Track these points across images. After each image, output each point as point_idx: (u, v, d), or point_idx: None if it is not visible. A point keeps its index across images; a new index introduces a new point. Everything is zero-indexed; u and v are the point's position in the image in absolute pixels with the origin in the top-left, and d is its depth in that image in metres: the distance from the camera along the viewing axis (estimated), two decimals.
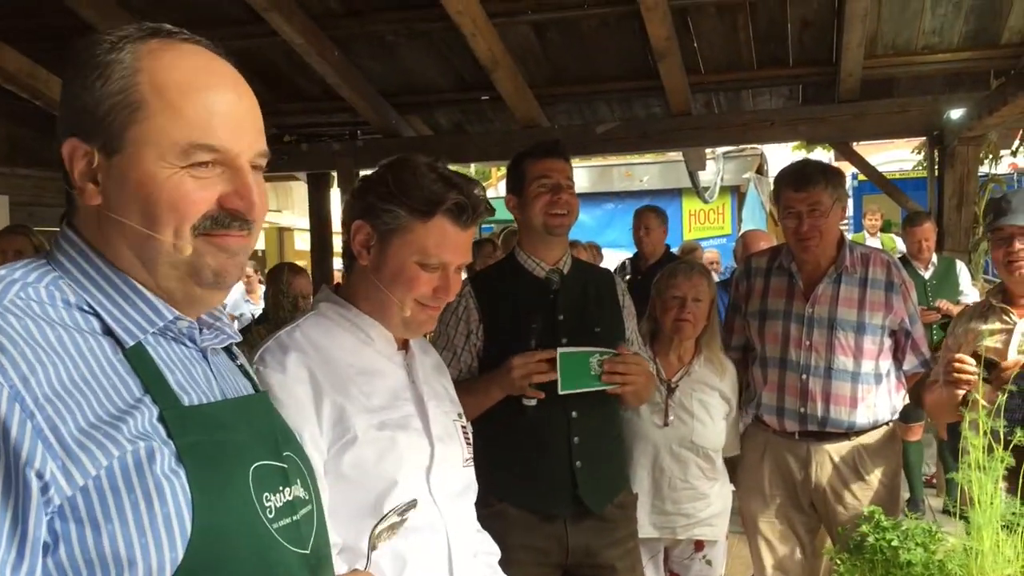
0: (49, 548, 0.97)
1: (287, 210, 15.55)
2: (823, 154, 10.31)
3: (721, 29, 5.68)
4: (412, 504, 1.32)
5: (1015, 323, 2.81)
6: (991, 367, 2.53)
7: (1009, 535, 1.88)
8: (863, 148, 8.01)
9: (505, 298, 2.70)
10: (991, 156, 7.00)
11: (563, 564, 2.67)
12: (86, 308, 1.09)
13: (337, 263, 7.91)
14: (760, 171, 14.20)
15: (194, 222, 1.10)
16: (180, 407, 1.09)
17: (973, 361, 2.55)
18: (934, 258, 5.96)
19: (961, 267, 5.96)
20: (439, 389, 1.97)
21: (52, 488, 0.96)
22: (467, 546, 1.87)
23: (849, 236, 5.53)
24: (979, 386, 2.30)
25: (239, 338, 1.31)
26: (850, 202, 11.94)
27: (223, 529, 1.06)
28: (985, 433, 1.96)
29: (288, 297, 4.30)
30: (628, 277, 6.30)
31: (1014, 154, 7.84)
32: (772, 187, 3.48)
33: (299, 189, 11.64)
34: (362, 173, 7.31)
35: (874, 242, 9.40)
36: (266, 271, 7.64)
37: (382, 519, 1.28)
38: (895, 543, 1.97)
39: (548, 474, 2.62)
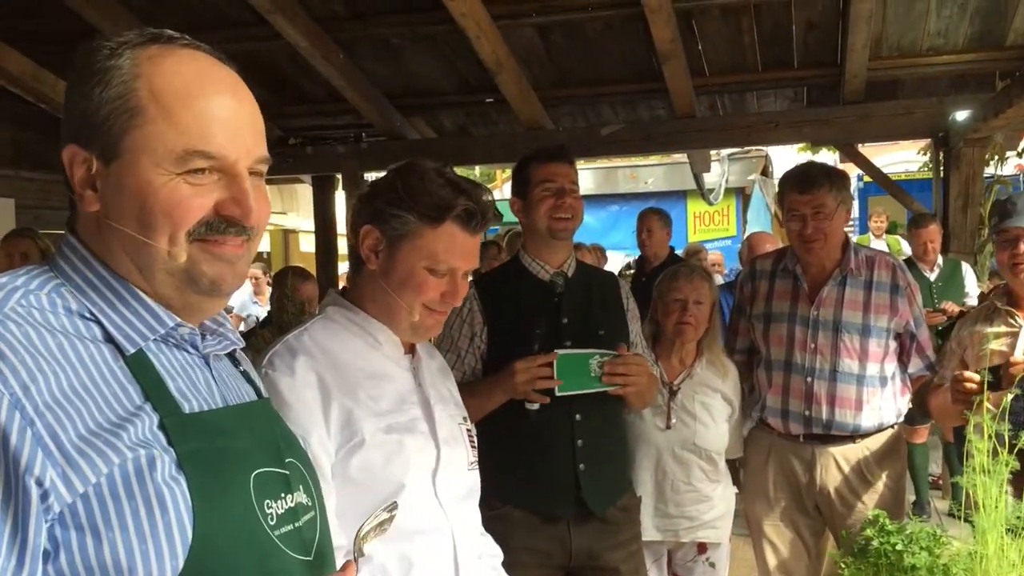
0: (49, 555, 0.97)
1: (292, 212, 15.56)
2: (828, 156, 10.30)
3: (725, 31, 5.68)
4: (394, 504, 1.32)
5: (1021, 326, 2.80)
6: (997, 372, 2.51)
7: (1014, 539, 1.88)
8: (868, 150, 8.01)
9: (509, 301, 2.70)
10: (997, 157, 6.98)
11: (566, 566, 2.67)
12: (87, 315, 1.09)
13: (342, 267, 7.92)
14: (765, 173, 14.18)
15: (189, 228, 1.10)
16: (181, 414, 1.09)
17: (978, 377, 2.52)
18: (939, 260, 5.94)
19: (967, 269, 5.94)
20: (445, 393, 1.98)
21: (52, 495, 0.96)
22: (472, 548, 1.88)
23: (854, 238, 5.53)
24: (984, 396, 2.28)
25: (242, 344, 1.31)
26: (855, 204, 11.94)
27: (224, 537, 1.05)
28: (990, 437, 1.95)
29: (293, 301, 4.30)
30: (632, 272, 6.29)
31: (1020, 155, 7.81)
32: (777, 189, 3.47)
33: (304, 191, 11.66)
34: (367, 175, 7.35)
35: (879, 244, 9.37)
36: (273, 274, 7.64)
37: (370, 518, 1.27)
38: (899, 547, 1.96)
39: (551, 476, 2.62)
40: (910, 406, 3.28)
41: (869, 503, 3.06)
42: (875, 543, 2.01)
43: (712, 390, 3.22)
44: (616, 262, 9.74)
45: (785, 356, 3.19)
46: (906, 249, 7.61)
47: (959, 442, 3.39)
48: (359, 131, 7.11)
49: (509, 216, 3.04)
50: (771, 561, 3.28)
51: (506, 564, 2.02)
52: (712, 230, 14.99)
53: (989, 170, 6.46)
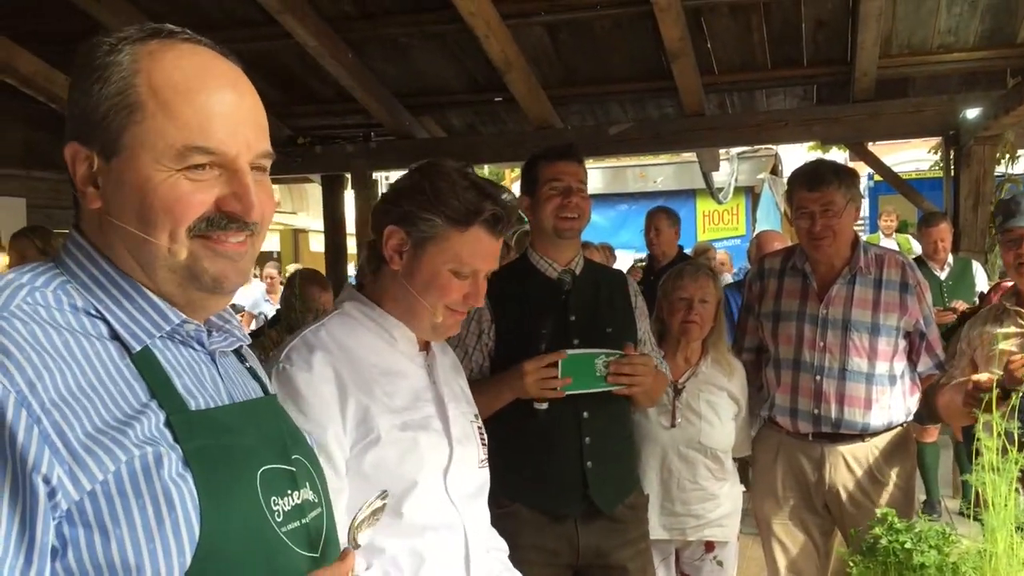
0: (57, 553, 0.97)
1: (302, 212, 15.61)
2: (839, 154, 10.27)
3: (735, 29, 5.67)
4: (385, 493, 1.32)
5: None
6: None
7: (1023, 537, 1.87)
8: (879, 148, 7.97)
9: (517, 299, 2.70)
10: (1008, 156, 6.94)
11: (573, 564, 2.66)
12: (93, 312, 1.09)
13: (351, 269, 7.93)
14: (775, 172, 14.14)
15: (190, 224, 1.09)
16: (187, 411, 1.09)
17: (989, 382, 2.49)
18: (950, 259, 5.91)
19: (977, 268, 5.92)
20: (457, 390, 1.99)
21: (59, 493, 0.96)
22: (482, 544, 1.90)
23: (864, 237, 5.51)
24: (994, 394, 2.27)
25: (248, 341, 1.31)
26: (865, 203, 11.90)
27: (231, 534, 1.05)
28: (999, 435, 1.94)
29: (301, 300, 4.31)
30: (643, 264, 6.28)
31: None
32: (786, 187, 3.46)
33: (314, 191, 11.69)
34: (376, 175, 7.36)
35: (889, 243, 9.34)
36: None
37: (363, 507, 1.27)
38: (908, 545, 1.96)
39: (559, 474, 2.62)
40: (919, 405, 3.27)
41: (878, 502, 3.04)
42: (884, 541, 2.00)
43: (718, 388, 3.21)
44: (625, 261, 9.73)
45: (794, 355, 3.19)
46: (916, 248, 7.59)
47: (968, 441, 3.38)
48: (368, 130, 7.13)
49: None
50: (780, 560, 3.27)
51: (514, 562, 2.03)
52: (721, 229, 14.96)
53: (1000, 168, 6.43)
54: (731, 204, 14.48)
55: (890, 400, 3.12)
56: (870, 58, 5.55)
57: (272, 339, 4.07)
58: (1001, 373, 2.45)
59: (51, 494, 0.95)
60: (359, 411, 1.72)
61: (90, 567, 0.98)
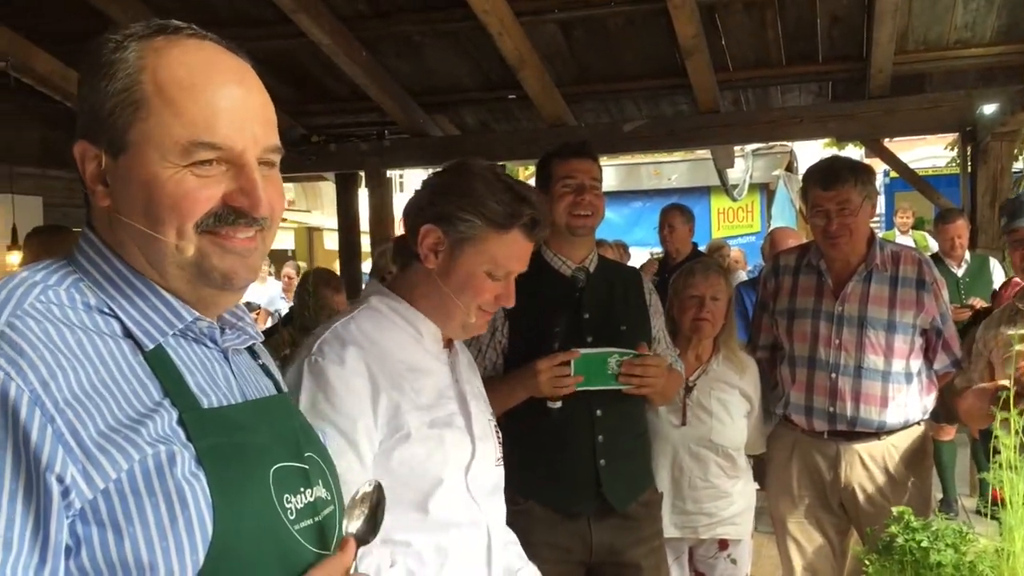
0: (71, 552, 0.97)
1: (316, 210, 15.66)
2: (854, 151, 10.21)
3: (749, 26, 5.64)
4: (375, 483, 1.31)
5: None
6: None
7: None
8: (896, 145, 7.93)
9: (531, 296, 2.68)
10: None
11: (586, 562, 2.66)
12: (106, 311, 1.09)
13: (365, 267, 7.94)
14: (790, 168, 14.10)
15: (197, 220, 1.08)
16: (200, 410, 1.09)
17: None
18: (967, 256, 5.87)
19: (995, 264, 5.87)
20: (475, 389, 2.00)
21: (73, 492, 0.96)
22: (502, 539, 1.92)
23: (880, 234, 5.48)
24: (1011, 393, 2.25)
25: (261, 338, 1.31)
26: (881, 199, 11.83)
27: (244, 532, 1.05)
28: (1017, 432, 1.93)
29: (314, 297, 4.33)
30: (660, 257, 6.27)
31: None
32: (801, 184, 3.44)
33: (328, 189, 11.72)
34: (389, 173, 7.37)
35: (905, 240, 9.27)
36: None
37: (352, 497, 1.26)
38: (925, 544, 1.94)
39: (571, 472, 2.62)
40: (936, 403, 3.24)
41: (895, 500, 3.02)
42: (900, 540, 1.99)
43: (729, 386, 3.20)
44: (639, 259, 9.73)
45: (809, 352, 3.17)
46: (933, 245, 7.55)
47: (985, 438, 3.35)
48: (382, 128, 7.13)
49: None
50: (796, 559, 3.26)
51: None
52: (736, 226, 14.92)
53: (1018, 165, 6.39)
54: (746, 201, 14.44)
55: (906, 398, 3.10)
56: (886, 54, 5.51)
57: (284, 337, 4.08)
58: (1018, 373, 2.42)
59: (65, 493, 0.96)
60: (390, 407, 1.73)
61: (104, 566, 0.98)
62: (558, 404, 2.51)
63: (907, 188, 8.86)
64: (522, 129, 7.18)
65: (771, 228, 10.02)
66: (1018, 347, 2.71)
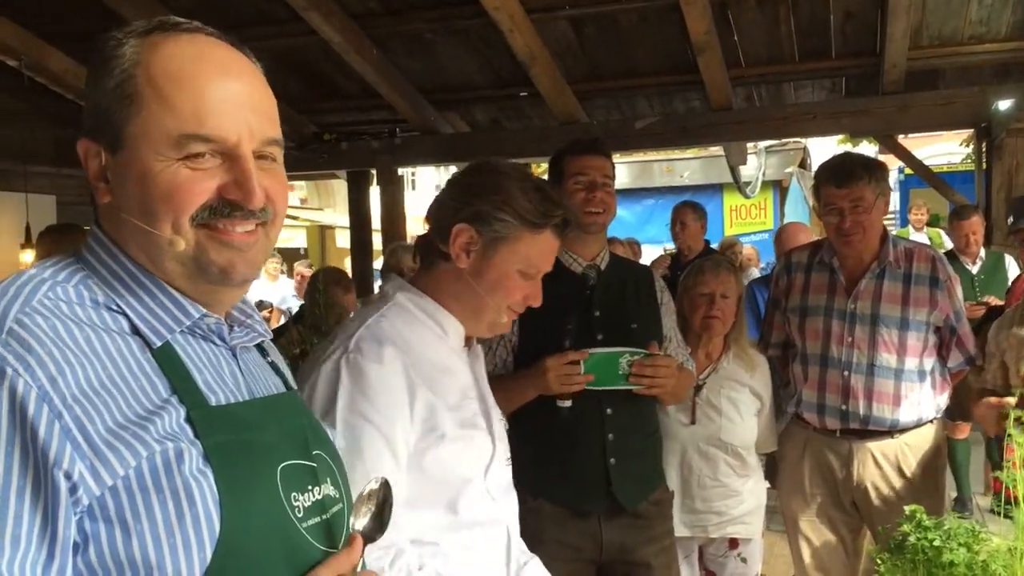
0: (79, 548, 0.97)
1: (328, 208, 15.68)
2: (868, 148, 10.16)
3: (762, 22, 5.62)
4: (381, 479, 1.31)
5: None
6: None
7: None
8: (910, 141, 7.89)
9: (541, 293, 2.69)
10: None
11: (597, 560, 2.66)
12: (114, 308, 1.09)
13: (376, 264, 7.95)
14: (803, 165, 14.03)
15: (192, 213, 1.08)
16: (207, 407, 1.09)
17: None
18: (982, 252, 5.83)
19: (1010, 261, 5.82)
20: (489, 388, 1.99)
21: (80, 488, 0.96)
22: (518, 536, 1.93)
23: (894, 231, 5.44)
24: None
25: (270, 336, 1.31)
26: (896, 196, 11.77)
27: (251, 530, 1.05)
28: None
29: (323, 295, 4.33)
30: (673, 252, 6.25)
31: None
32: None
33: (340, 187, 11.75)
34: (400, 170, 7.37)
35: (920, 237, 9.23)
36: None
37: (360, 495, 1.26)
38: (937, 543, 1.93)
39: (582, 471, 2.62)
40: (950, 401, 3.22)
41: (908, 499, 3.00)
42: (912, 539, 1.98)
43: (739, 384, 3.18)
44: (651, 256, 9.71)
45: (821, 350, 3.15)
46: (947, 243, 7.50)
47: (1000, 437, 3.33)
48: (393, 126, 7.14)
49: None
50: (808, 558, 3.24)
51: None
52: (749, 223, 14.86)
53: None
54: (759, 198, 14.37)
55: (920, 396, 3.08)
56: (900, 50, 5.47)
57: (294, 336, 4.08)
58: None
59: (72, 489, 0.96)
60: (426, 408, 1.72)
61: (111, 563, 0.98)
62: (567, 403, 2.50)
63: (922, 185, 8.80)
64: (533, 127, 7.17)
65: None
66: None
